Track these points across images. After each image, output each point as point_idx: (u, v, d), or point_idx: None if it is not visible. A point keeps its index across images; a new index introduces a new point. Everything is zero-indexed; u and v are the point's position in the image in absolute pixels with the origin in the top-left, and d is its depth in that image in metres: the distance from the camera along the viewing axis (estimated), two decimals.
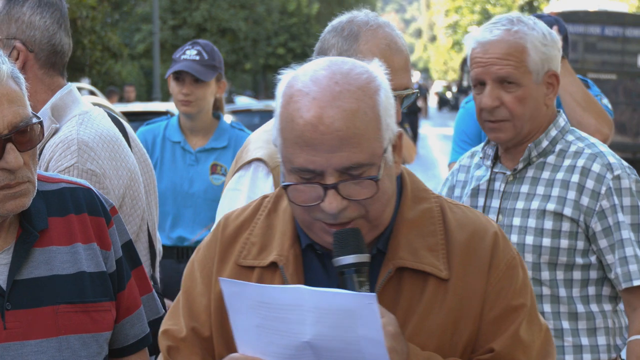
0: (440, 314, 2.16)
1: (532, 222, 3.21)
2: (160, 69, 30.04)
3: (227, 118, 5.63)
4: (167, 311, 2.87)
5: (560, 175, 3.22)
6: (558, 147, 3.27)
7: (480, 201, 3.36)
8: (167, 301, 3.90)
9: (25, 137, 2.38)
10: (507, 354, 2.16)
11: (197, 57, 5.28)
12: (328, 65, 2.13)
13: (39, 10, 3.18)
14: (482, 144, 3.47)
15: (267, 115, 17.33)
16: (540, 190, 3.24)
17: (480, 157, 3.43)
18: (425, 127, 43.57)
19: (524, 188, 3.27)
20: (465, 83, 46.50)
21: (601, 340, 3.22)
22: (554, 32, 3.31)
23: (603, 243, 3.17)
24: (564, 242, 3.18)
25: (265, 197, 2.36)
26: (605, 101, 4.91)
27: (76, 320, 2.46)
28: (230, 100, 27.46)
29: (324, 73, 2.11)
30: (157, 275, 3.57)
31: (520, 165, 3.29)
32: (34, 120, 2.40)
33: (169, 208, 5.36)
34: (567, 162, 3.24)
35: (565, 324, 3.21)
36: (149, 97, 32.36)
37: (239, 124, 5.64)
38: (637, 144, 20.79)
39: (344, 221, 2.11)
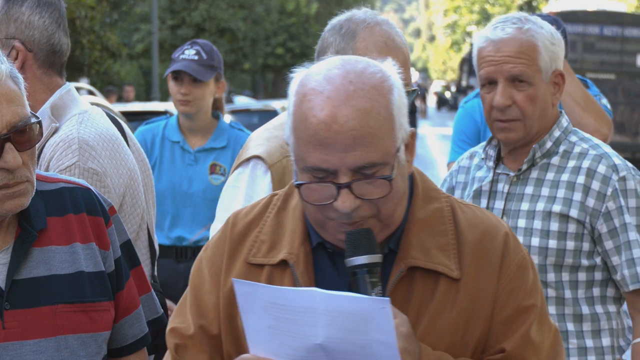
0: (452, 313, 2.15)
1: (537, 224, 3.19)
2: (159, 68, 30.02)
3: (227, 118, 5.62)
4: (166, 310, 2.88)
5: (565, 177, 3.20)
6: (562, 148, 3.25)
7: (483, 202, 3.33)
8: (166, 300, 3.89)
9: (24, 136, 2.37)
10: (517, 354, 2.16)
11: (196, 57, 5.27)
12: (342, 64, 2.12)
13: (38, 10, 3.18)
14: (481, 145, 3.45)
15: (266, 115, 17.31)
16: (545, 191, 3.21)
17: (482, 158, 3.40)
18: (424, 127, 43.58)
19: (529, 189, 3.25)
20: (464, 83, 46.48)
21: (605, 341, 3.21)
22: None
23: (609, 244, 3.16)
24: (570, 244, 3.16)
25: (274, 194, 2.35)
26: (605, 101, 4.91)
27: (75, 320, 2.46)
28: (229, 100, 27.46)
29: (337, 72, 2.09)
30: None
31: (525, 166, 3.26)
32: (33, 120, 2.39)
33: (167, 208, 5.35)
34: (571, 163, 3.22)
35: (570, 326, 3.20)
36: (147, 97, 32.36)
37: (238, 123, 5.63)
38: (636, 144, 20.78)
39: (356, 220, 2.10)
